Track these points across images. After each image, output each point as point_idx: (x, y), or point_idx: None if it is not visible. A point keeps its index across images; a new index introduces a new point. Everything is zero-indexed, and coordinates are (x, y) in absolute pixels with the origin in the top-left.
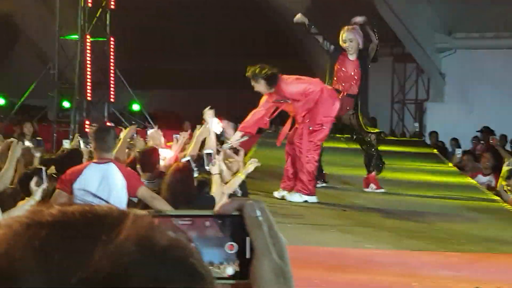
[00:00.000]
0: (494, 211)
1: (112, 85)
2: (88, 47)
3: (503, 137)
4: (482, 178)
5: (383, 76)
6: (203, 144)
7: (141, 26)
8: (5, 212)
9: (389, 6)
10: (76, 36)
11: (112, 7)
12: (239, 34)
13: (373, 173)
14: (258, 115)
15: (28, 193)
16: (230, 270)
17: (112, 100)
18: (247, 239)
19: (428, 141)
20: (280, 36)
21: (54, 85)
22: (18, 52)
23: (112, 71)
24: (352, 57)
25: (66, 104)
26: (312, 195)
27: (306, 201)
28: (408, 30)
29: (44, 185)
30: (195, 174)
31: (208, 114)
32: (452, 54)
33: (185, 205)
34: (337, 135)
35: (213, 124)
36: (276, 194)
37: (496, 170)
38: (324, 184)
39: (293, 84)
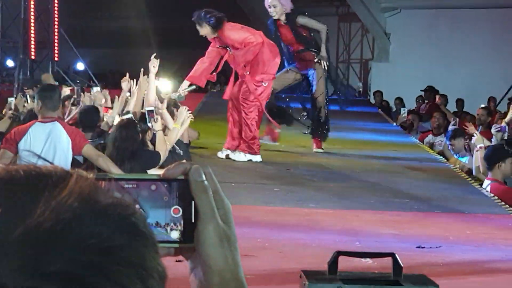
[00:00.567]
0: (437, 170)
1: (56, 44)
2: (32, 5)
3: (444, 97)
4: (432, 138)
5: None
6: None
7: None
8: None
9: None
10: None
11: None
12: None
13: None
14: (204, 65)
15: None
16: (175, 234)
17: (56, 59)
18: (193, 203)
19: (372, 101)
20: None
21: None
22: None
23: (56, 29)
24: (283, 21)
25: (10, 63)
26: (256, 154)
27: (250, 160)
28: None
29: None
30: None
31: (153, 62)
32: (397, 14)
33: (130, 160)
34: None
35: (162, 83)
36: (220, 153)
37: (445, 130)
38: (271, 143)
39: (235, 31)
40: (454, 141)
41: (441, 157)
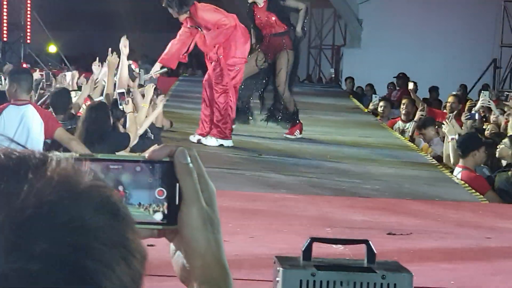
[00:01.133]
0: (408, 157)
1: (28, 26)
2: None
3: (414, 85)
4: (401, 124)
5: None
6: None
7: None
8: None
9: None
10: None
11: None
12: None
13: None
14: (175, 46)
15: None
16: (158, 216)
17: (28, 41)
18: (177, 185)
19: (344, 87)
20: None
21: None
22: None
23: (28, 11)
24: (260, 4)
25: None
26: (227, 139)
27: (221, 145)
28: None
29: None
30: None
31: (124, 43)
32: (369, 0)
33: (99, 143)
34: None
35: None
36: (192, 138)
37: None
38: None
39: (208, 12)
40: (424, 130)
41: (412, 144)
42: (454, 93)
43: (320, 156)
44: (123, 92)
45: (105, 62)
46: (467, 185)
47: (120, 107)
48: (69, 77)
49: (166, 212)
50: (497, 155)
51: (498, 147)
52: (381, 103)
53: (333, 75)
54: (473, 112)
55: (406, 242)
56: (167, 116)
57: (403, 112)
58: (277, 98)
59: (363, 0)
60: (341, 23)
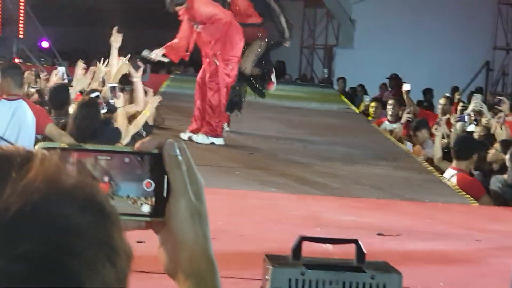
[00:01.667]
0: (399, 158)
1: (21, 21)
2: None
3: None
4: (388, 125)
5: (293, 20)
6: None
7: None
8: None
9: None
10: None
11: None
12: None
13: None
14: (181, 41)
15: None
16: (146, 208)
17: (21, 36)
18: (165, 177)
19: (336, 87)
20: None
21: None
22: None
23: (21, 6)
24: None
25: None
26: (219, 137)
27: (213, 143)
28: None
29: None
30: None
31: (115, 37)
32: (362, 1)
33: (90, 139)
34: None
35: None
36: (183, 135)
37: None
38: (228, 129)
39: (205, 5)
40: (418, 132)
41: (402, 144)
42: (446, 95)
43: (310, 155)
44: (115, 87)
45: (96, 60)
46: (458, 187)
47: (111, 101)
48: (61, 72)
49: (154, 204)
50: (488, 159)
51: (488, 151)
52: (373, 104)
53: (327, 75)
54: (463, 114)
55: (395, 243)
56: (159, 112)
57: (389, 112)
58: (244, 78)
59: (356, 0)
60: (334, 23)
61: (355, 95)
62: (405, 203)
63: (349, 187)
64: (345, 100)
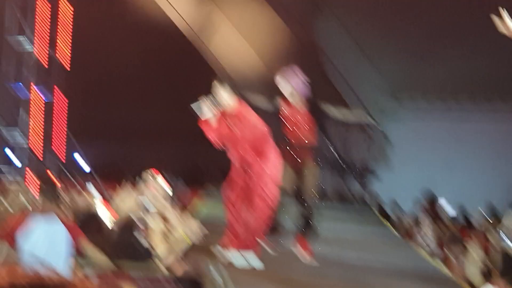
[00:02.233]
0: (433, 274)
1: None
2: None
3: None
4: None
5: None
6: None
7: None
8: None
9: (336, 69)
10: None
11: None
12: (185, 90)
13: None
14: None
15: None
16: None
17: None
18: None
19: (372, 205)
20: None
21: None
22: None
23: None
24: (298, 106)
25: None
26: (254, 253)
27: (247, 259)
28: (357, 96)
29: None
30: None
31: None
32: (398, 121)
33: (124, 258)
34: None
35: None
36: (217, 249)
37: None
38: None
39: (250, 111)
40: (451, 247)
41: (443, 264)
42: (483, 213)
43: (346, 275)
44: (149, 207)
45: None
46: None
47: (147, 220)
48: (92, 190)
49: None
50: None
51: None
52: (408, 221)
53: (363, 194)
54: (501, 234)
55: None
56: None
57: (424, 230)
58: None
59: (392, 120)
60: (370, 143)
61: (389, 213)
62: None
63: None
64: (381, 217)
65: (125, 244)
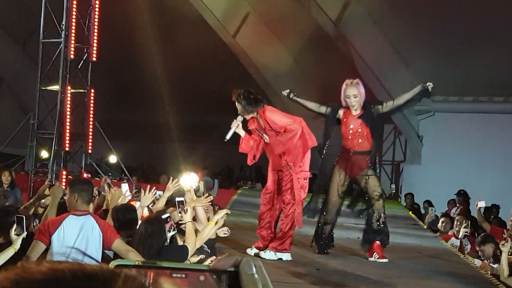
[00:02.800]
0: (466, 273)
1: (90, 136)
2: (68, 98)
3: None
4: (455, 241)
5: None
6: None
7: (121, 78)
8: None
9: (370, 69)
10: (57, 87)
11: (94, 59)
12: (217, 89)
13: (378, 243)
14: (253, 143)
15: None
16: None
17: (89, 151)
18: None
19: (403, 203)
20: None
21: (34, 135)
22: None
23: (91, 122)
24: (356, 112)
25: (44, 154)
26: (286, 253)
27: (280, 259)
28: (387, 92)
29: (24, 234)
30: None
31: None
32: (430, 117)
33: (157, 257)
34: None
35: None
36: (250, 251)
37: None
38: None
39: (277, 114)
40: (483, 247)
41: (470, 260)
42: None
43: (377, 273)
44: (183, 201)
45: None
46: None
47: (179, 215)
48: (124, 189)
49: None
50: None
51: None
52: (442, 219)
53: (394, 191)
54: None
55: None
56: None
57: (457, 229)
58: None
59: (424, 117)
60: (402, 139)
61: (422, 210)
62: None
63: None
64: (413, 215)
65: (155, 244)
